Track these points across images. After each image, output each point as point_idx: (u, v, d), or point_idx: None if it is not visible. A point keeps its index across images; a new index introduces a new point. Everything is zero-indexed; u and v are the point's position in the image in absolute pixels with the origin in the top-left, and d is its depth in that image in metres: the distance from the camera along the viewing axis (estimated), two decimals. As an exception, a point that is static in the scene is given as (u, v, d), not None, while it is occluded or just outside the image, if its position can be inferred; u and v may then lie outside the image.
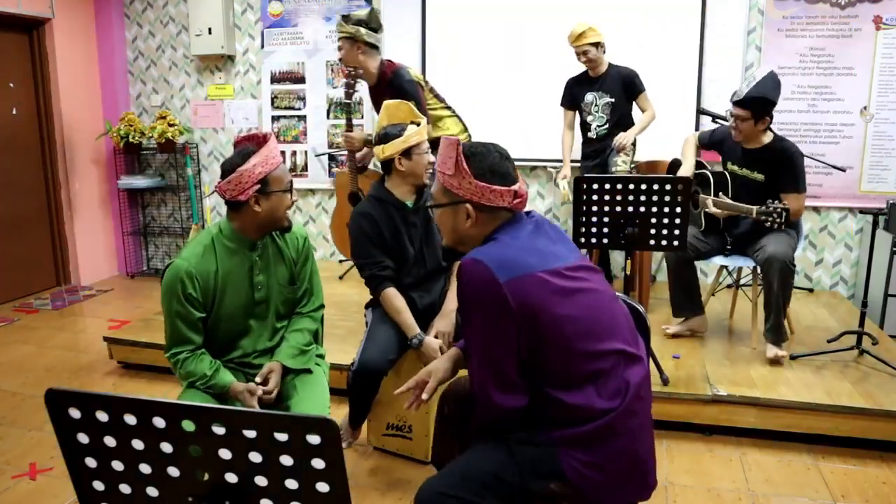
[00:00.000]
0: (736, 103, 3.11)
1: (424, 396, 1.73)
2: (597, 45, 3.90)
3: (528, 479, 1.53)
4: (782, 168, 3.14)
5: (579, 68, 4.15)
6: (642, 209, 2.86)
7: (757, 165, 3.20)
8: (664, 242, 2.90)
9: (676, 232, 2.88)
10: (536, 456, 1.54)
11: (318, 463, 1.08)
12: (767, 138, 3.19)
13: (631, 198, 2.84)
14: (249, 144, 2.02)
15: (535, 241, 1.59)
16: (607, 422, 1.50)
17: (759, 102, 3.05)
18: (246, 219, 2.04)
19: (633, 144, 4.01)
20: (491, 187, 1.59)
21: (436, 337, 2.54)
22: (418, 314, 2.57)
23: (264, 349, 2.18)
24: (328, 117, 5.29)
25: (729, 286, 4.35)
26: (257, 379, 2.07)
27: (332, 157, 5.31)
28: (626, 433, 1.53)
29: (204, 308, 2.04)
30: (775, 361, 3.13)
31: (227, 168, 1.97)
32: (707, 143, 3.52)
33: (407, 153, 2.52)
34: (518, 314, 1.46)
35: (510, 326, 1.47)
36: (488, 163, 1.61)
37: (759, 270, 3.20)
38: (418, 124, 2.56)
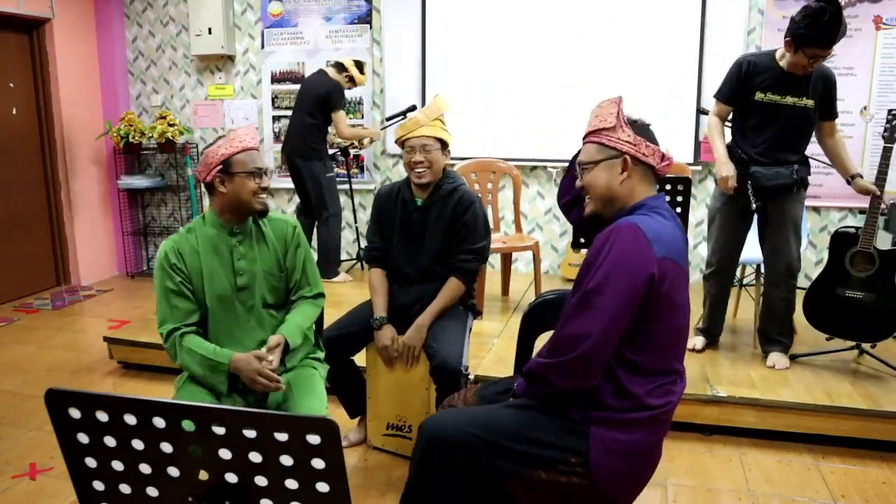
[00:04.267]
0: (821, 44, 2.74)
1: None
2: None
3: (552, 446, 1.57)
4: (828, 92, 2.97)
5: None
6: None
7: (804, 90, 2.94)
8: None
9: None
10: (568, 427, 1.58)
11: (318, 463, 1.07)
12: None
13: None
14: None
15: (678, 229, 1.66)
16: (646, 417, 1.58)
17: (841, 33, 2.75)
18: (218, 201, 2.11)
19: None
20: (646, 142, 1.65)
21: (404, 349, 2.52)
22: (390, 311, 2.59)
23: (262, 343, 2.14)
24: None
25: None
26: (262, 350, 2.04)
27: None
28: (655, 435, 1.63)
29: (191, 283, 2.08)
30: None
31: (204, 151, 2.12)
32: (732, 96, 3.06)
33: (403, 144, 2.54)
34: (653, 290, 1.52)
35: (637, 300, 1.52)
36: (637, 121, 1.69)
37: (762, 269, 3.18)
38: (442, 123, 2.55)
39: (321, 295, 2.27)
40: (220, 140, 2.11)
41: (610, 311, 1.50)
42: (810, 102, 2.95)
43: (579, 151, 1.77)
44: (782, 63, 2.95)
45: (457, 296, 2.55)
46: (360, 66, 4.60)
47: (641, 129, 1.68)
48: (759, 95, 2.99)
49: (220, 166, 2.07)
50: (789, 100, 2.95)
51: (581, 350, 1.51)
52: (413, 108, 4.61)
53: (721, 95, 3.12)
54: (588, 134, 1.71)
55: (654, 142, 1.69)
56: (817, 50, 2.76)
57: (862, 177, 3.04)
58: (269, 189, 2.13)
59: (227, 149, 2.07)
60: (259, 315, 2.15)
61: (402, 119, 4.55)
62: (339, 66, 4.56)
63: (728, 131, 3.21)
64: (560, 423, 1.60)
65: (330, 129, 4.67)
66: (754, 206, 3.04)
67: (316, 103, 4.51)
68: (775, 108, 2.97)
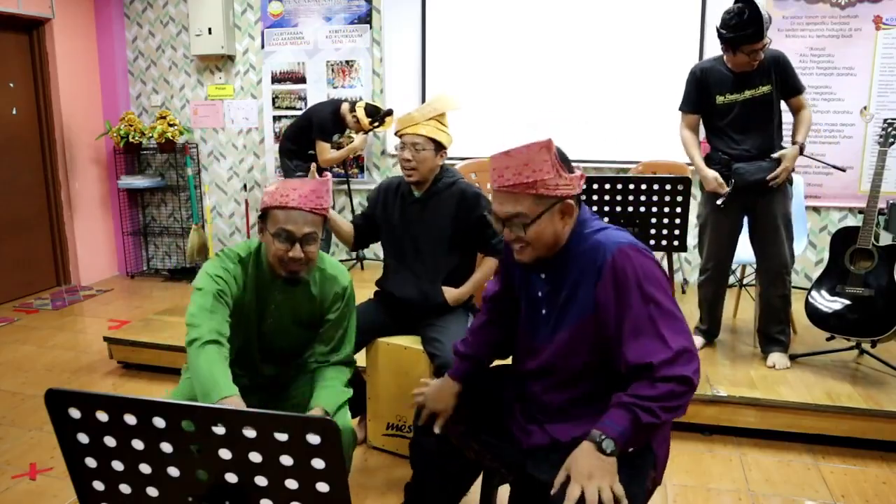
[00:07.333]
0: (753, 40, 2.85)
1: (437, 430, 1.78)
2: None
3: (641, 482, 1.54)
4: (783, 72, 3.04)
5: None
6: (642, 209, 2.86)
7: (758, 80, 3.03)
8: (664, 242, 2.91)
9: (676, 232, 2.89)
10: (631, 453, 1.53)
11: (318, 463, 1.08)
12: None
13: (631, 198, 2.85)
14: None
15: None
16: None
17: (766, 23, 2.88)
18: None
19: None
20: (576, 176, 1.58)
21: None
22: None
23: (273, 377, 2.10)
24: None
25: (730, 286, 4.35)
26: None
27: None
28: None
29: (231, 298, 1.88)
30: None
31: None
32: (696, 103, 3.17)
33: (401, 139, 2.52)
34: None
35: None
36: (562, 153, 1.58)
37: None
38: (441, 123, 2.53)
39: (352, 363, 2.07)
40: (279, 182, 1.86)
41: (677, 313, 1.53)
42: (766, 88, 3.04)
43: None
44: (730, 65, 3.04)
45: (493, 273, 2.55)
46: (373, 111, 4.54)
47: (568, 162, 1.58)
48: (719, 99, 3.09)
49: (261, 212, 1.87)
50: (747, 93, 3.05)
51: (695, 367, 1.49)
52: (390, 113, 4.59)
53: (685, 106, 3.22)
54: (519, 185, 1.53)
55: (571, 166, 1.60)
56: (753, 45, 2.87)
57: (804, 148, 3.10)
58: (305, 261, 1.83)
59: (270, 197, 1.83)
60: (274, 357, 2.08)
61: (381, 123, 4.58)
62: (352, 106, 4.59)
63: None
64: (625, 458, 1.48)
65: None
66: (720, 201, 3.07)
67: (306, 120, 4.63)
68: (736, 105, 3.07)
